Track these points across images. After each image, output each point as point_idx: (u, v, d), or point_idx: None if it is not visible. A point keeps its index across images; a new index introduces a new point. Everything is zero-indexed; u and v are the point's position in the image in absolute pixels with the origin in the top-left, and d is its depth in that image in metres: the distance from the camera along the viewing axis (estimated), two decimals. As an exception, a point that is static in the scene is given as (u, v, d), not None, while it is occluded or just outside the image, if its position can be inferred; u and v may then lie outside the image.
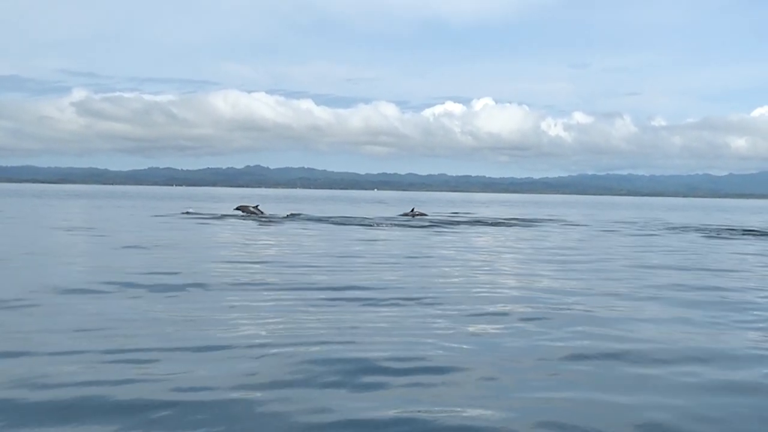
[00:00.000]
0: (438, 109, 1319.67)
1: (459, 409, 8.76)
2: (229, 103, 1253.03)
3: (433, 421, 8.33)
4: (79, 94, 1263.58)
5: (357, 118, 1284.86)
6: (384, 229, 43.93)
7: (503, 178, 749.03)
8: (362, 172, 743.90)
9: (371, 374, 10.11)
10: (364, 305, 15.76)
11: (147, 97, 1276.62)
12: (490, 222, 56.03)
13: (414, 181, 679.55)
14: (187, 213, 57.33)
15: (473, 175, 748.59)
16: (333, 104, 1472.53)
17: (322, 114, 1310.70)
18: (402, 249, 30.30)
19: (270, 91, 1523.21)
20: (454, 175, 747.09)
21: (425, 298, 16.89)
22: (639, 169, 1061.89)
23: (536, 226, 52.74)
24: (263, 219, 53.07)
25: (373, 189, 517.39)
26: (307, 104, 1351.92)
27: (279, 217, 54.72)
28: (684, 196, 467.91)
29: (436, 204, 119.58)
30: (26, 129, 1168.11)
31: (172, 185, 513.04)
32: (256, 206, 59.18)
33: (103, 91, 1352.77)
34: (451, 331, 13.13)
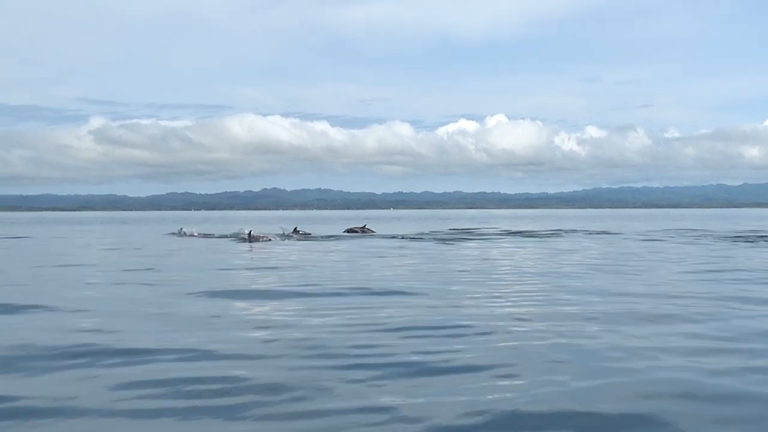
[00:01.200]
0: (452, 127, 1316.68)
1: None
2: (244, 126, 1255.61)
3: None
4: (96, 121, 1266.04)
5: (371, 138, 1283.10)
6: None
7: (518, 193, 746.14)
8: (378, 192, 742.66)
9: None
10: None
11: (164, 123, 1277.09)
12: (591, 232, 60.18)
13: (430, 199, 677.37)
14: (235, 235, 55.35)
15: (488, 191, 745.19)
16: (347, 125, 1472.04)
17: (337, 135, 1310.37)
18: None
19: (285, 114, 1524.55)
20: (469, 192, 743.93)
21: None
22: (653, 181, 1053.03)
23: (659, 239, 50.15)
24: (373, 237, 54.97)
25: (389, 208, 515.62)
26: (321, 126, 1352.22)
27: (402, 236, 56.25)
28: (699, 207, 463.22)
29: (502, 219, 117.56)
30: (45, 157, 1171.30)
31: (191, 209, 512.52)
32: (364, 226, 62.40)
33: (121, 118, 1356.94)
34: None
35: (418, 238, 51.80)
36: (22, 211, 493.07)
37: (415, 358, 11.22)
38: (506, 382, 9.79)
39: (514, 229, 69.53)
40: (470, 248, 40.64)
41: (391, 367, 10.64)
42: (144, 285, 21.99)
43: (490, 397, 9.08)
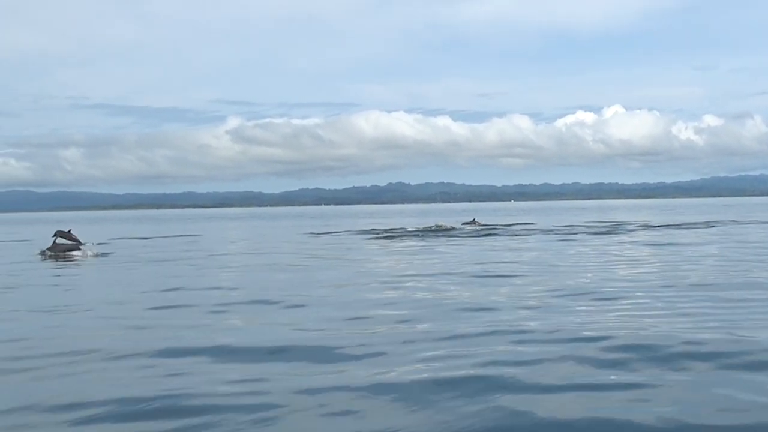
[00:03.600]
0: (570, 119, 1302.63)
1: None
2: (370, 123, 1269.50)
3: None
4: (233, 121, 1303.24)
5: (492, 131, 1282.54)
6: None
7: (636, 184, 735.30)
8: (499, 184, 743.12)
9: None
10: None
11: (295, 121, 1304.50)
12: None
13: (549, 190, 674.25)
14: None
15: (606, 182, 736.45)
16: (469, 119, 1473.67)
17: (459, 129, 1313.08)
18: None
19: (408, 110, 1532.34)
20: (587, 183, 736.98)
21: None
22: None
23: None
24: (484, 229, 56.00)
25: (509, 200, 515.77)
26: (444, 121, 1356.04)
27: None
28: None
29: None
30: (187, 157, 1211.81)
31: (321, 204, 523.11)
32: (473, 220, 63.47)
33: (255, 118, 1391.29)
34: None
35: (606, 232, 50.56)
36: (166, 208, 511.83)
37: None
38: None
39: (658, 221, 67.04)
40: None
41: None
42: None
43: None
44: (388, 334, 13.76)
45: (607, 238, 43.26)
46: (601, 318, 14.93)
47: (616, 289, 19.05)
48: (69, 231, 39.62)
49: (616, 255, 30.77)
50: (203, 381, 10.41)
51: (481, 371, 10.54)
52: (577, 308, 16.25)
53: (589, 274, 23.02)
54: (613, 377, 10.20)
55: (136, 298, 19.93)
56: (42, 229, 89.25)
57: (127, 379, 10.67)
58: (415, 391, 9.64)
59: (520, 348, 12.06)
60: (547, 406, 8.88)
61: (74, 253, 36.88)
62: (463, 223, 61.85)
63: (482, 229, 55.80)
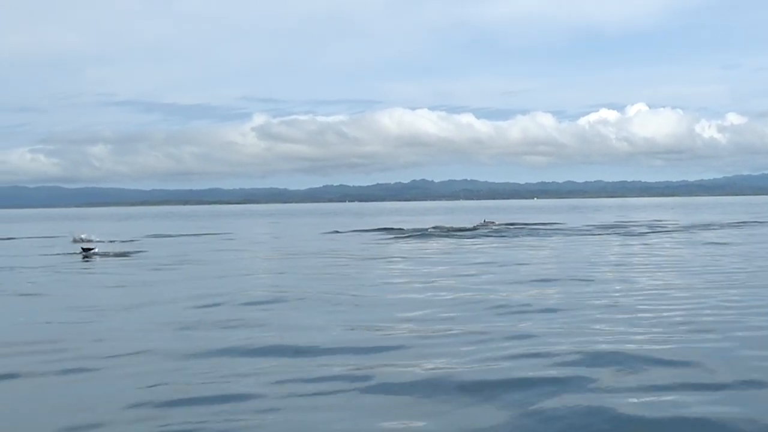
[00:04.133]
0: (593, 117, 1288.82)
1: None
2: (394, 120, 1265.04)
3: None
4: (259, 119, 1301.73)
5: (516, 129, 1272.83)
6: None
7: (659, 182, 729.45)
8: (522, 182, 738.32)
9: None
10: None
11: (320, 118, 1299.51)
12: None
13: (572, 188, 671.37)
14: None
15: (629, 180, 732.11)
16: (492, 117, 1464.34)
17: (483, 127, 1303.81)
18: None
19: (432, 108, 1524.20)
20: (610, 181, 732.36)
21: None
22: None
23: None
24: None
25: (532, 198, 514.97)
26: (467, 118, 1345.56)
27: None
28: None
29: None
30: (213, 153, 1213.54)
31: (345, 201, 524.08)
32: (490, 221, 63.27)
33: (281, 115, 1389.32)
34: None
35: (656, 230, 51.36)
36: (192, 204, 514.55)
37: None
38: None
39: (691, 220, 68.64)
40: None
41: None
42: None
43: None
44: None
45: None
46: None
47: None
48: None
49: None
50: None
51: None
52: None
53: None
54: None
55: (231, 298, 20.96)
56: (71, 225, 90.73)
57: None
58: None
59: None
60: None
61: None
62: (484, 221, 61.96)
63: (505, 228, 56.44)
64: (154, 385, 11.18)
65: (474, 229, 58.46)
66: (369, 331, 15.33)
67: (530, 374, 11.58)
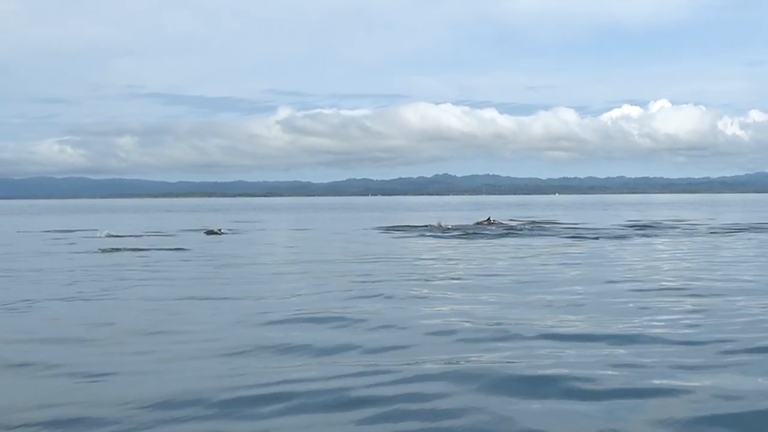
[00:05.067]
0: (616, 113, 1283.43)
1: None
2: (418, 115, 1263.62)
3: None
4: (284, 112, 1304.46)
5: (538, 124, 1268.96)
6: None
7: (681, 178, 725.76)
8: (544, 177, 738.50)
9: None
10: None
11: (344, 112, 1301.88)
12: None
13: (594, 184, 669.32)
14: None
15: (651, 176, 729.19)
16: (515, 112, 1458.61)
17: (505, 122, 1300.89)
18: None
19: (456, 102, 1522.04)
20: (632, 177, 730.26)
21: None
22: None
23: None
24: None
25: (554, 193, 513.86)
26: (490, 113, 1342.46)
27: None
28: None
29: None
30: (238, 146, 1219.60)
31: (368, 195, 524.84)
32: (489, 219, 60.69)
33: (306, 108, 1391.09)
34: None
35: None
36: (217, 196, 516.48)
37: None
38: None
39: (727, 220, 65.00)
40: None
41: None
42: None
43: None
44: None
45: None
46: None
47: None
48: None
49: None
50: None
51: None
52: None
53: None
54: None
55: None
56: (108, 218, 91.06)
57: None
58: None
59: None
60: None
61: None
62: (477, 223, 59.05)
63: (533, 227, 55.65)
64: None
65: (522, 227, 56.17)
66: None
67: None
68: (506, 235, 48.53)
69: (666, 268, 27.06)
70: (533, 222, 64.92)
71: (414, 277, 24.49)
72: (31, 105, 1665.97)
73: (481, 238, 45.92)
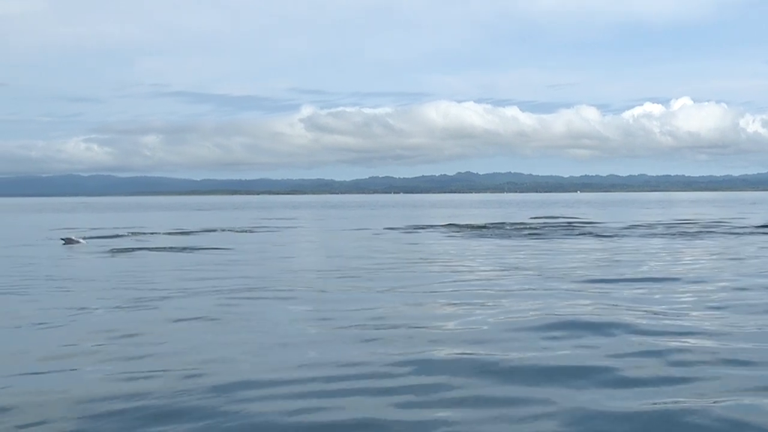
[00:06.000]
0: (637, 111, 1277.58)
1: None
2: (440, 113, 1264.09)
3: None
4: (307, 110, 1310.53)
5: (560, 122, 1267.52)
6: None
7: (702, 176, 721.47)
8: (566, 175, 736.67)
9: None
10: None
11: (367, 110, 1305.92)
12: None
13: (615, 182, 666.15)
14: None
15: (672, 174, 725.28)
16: (537, 110, 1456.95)
17: (527, 120, 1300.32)
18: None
19: (478, 100, 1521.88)
20: (654, 175, 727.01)
21: None
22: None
23: None
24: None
25: (575, 191, 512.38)
26: (512, 111, 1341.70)
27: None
28: None
29: None
30: (262, 144, 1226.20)
31: (391, 193, 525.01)
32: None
33: (328, 106, 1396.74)
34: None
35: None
36: (241, 194, 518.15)
37: None
38: None
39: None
40: None
41: None
42: None
43: None
44: None
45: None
46: None
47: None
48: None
49: None
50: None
51: None
52: None
53: None
54: None
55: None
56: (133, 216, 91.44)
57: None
58: None
59: None
60: None
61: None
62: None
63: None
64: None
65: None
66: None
67: None
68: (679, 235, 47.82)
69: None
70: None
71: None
72: (59, 103, 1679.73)
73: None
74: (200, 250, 39.18)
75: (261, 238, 50.21)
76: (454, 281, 25.07)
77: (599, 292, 21.91)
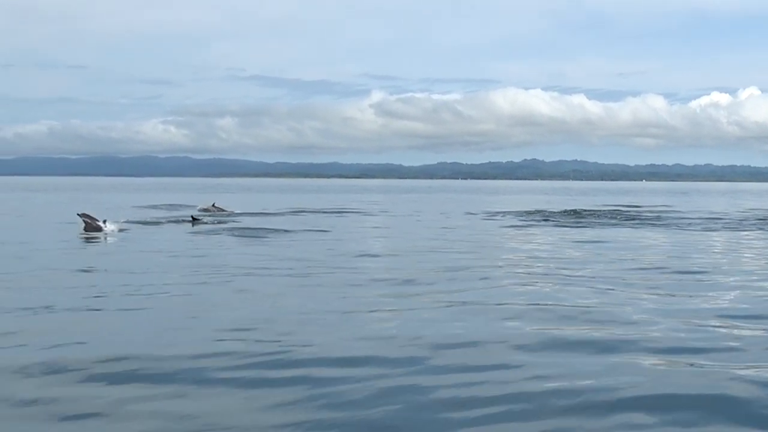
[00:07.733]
0: (704, 100, 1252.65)
1: None
2: (508, 100, 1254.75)
3: None
4: (377, 95, 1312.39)
5: (626, 111, 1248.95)
6: None
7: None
8: (631, 164, 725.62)
9: None
10: None
11: (435, 96, 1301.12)
12: None
13: (681, 171, 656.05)
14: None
15: (738, 164, 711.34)
16: (604, 98, 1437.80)
17: (594, 108, 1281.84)
18: None
19: (545, 88, 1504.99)
20: (719, 165, 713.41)
21: None
22: None
23: None
24: None
25: (641, 180, 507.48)
26: (579, 99, 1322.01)
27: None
28: None
29: None
30: (333, 129, 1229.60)
31: (458, 179, 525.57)
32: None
33: (398, 92, 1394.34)
34: None
35: None
36: (312, 177, 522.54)
37: None
38: None
39: None
40: None
41: None
42: None
43: None
44: None
45: None
46: None
47: None
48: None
49: None
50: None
51: None
52: None
53: None
54: None
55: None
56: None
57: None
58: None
59: None
60: None
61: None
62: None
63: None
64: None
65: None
66: None
67: None
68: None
69: None
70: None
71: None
72: (137, 86, 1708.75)
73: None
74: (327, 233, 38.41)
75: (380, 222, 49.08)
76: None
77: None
